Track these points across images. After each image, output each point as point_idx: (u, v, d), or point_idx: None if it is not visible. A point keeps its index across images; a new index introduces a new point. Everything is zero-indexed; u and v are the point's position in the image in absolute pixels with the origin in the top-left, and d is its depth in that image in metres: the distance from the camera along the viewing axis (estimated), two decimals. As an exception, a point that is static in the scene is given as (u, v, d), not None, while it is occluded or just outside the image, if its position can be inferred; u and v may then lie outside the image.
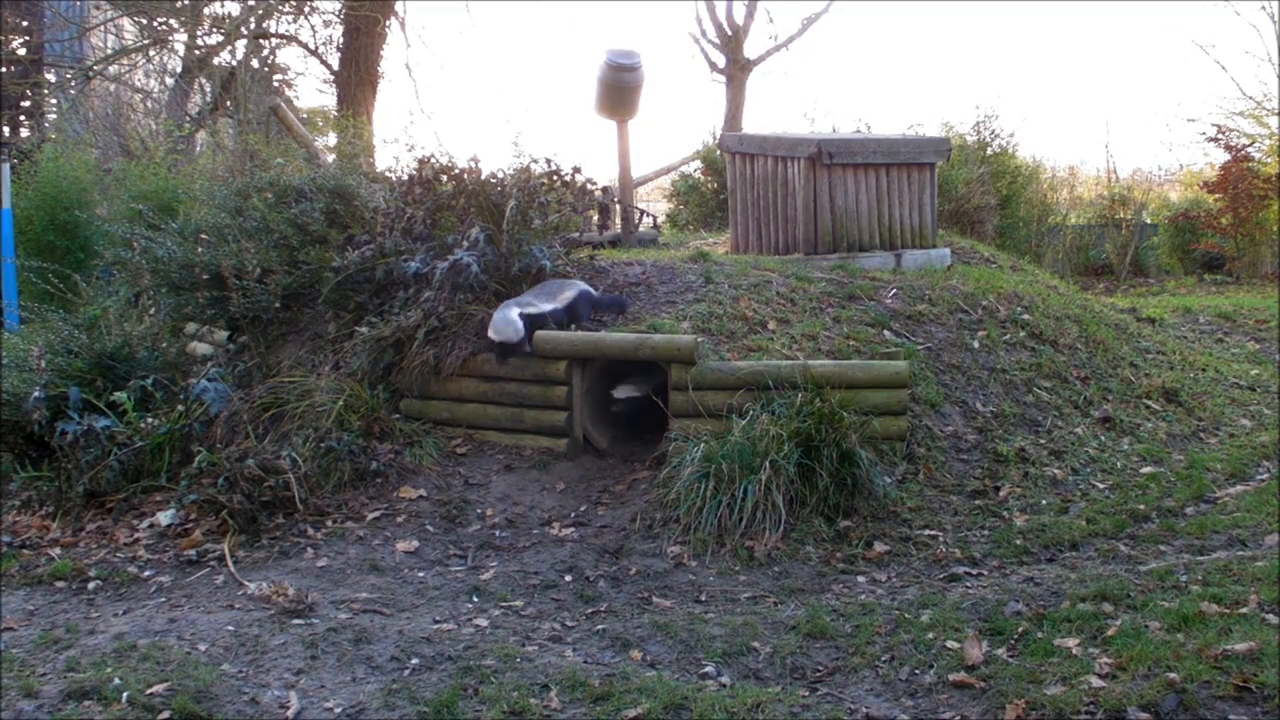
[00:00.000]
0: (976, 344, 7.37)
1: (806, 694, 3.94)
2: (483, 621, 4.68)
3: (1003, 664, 3.97)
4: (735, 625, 4.50)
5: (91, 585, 5.20)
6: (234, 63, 17.56)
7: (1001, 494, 6.04)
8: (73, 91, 18.65)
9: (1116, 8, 46.60)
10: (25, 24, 19.94)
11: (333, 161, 12.96)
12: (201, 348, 7.68)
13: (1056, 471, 6.33)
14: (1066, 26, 49.85)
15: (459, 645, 4.35)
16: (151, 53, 19.24)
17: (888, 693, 3.92)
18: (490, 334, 6.55)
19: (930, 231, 9.20)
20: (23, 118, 20.40)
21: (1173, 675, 3.61)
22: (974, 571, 5.15)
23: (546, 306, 6.80)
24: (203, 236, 7.88)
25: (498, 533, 5.77)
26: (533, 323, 6.63)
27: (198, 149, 17.21)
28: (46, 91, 19.66)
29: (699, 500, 5.52)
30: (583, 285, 7.13)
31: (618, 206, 10.80)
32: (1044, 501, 5.96)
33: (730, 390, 6.14)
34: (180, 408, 6.53)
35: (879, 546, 5.43)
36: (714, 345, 6.62)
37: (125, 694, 3.81)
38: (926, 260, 8.93)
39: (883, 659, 4.16)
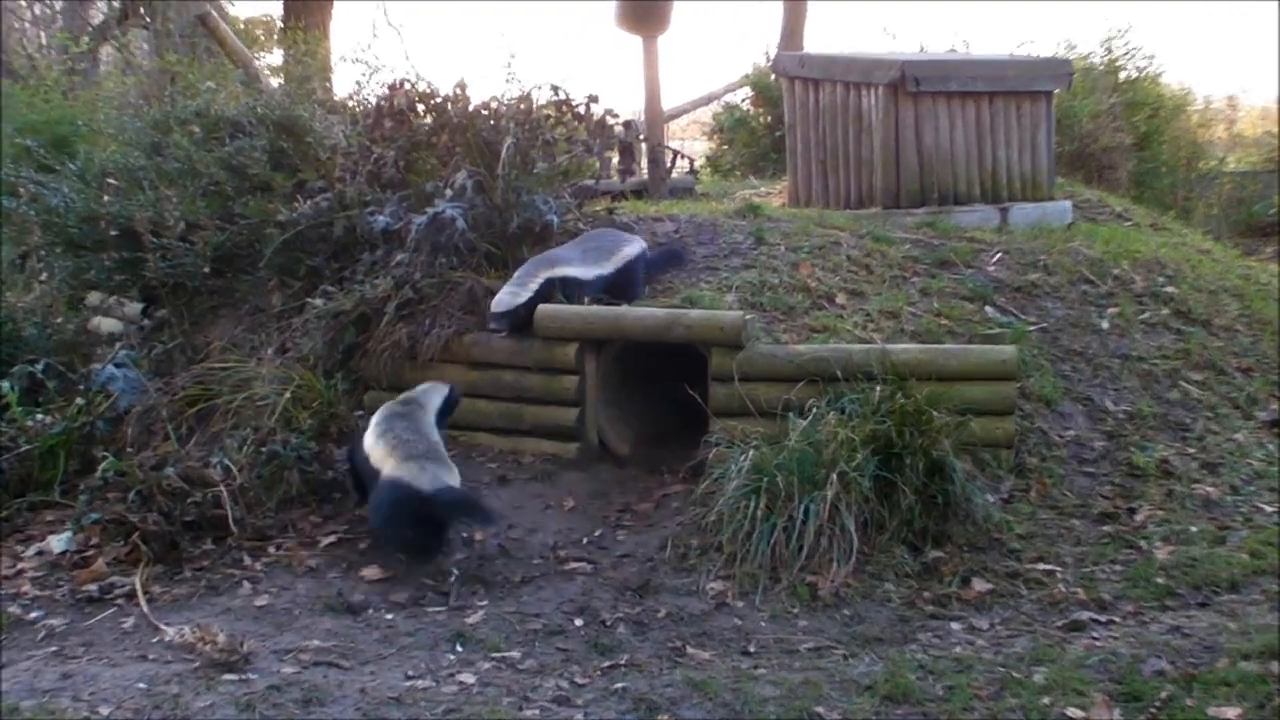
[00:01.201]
0: (1106, 324, 7.33)
1: (886, 774, 3.93)
2: (468, 677, 4.67)
3: (1141, 738, 3.94)
4: (793, 684, 4.48)
5: (-39, 630, 5.21)
6: (150, -41, 17.59)
7: (1138, 518, 6.00)
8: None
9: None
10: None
11: (278, 86, 12.96)
12: (108, 324, 7.69)
13: (1210, 490, 6.28)
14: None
15: (437, 708, 4.34)
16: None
17: (991, 774, 3.90)
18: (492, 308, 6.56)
19: (1046, 179, 9.16)
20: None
21: (1363, 755, 3.58)
22: (1102, 618, 5.12)
23: (592, 272, 6.76)
24: (109, 181, 7.89)
25: (488, 563, 5.77)
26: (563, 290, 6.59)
27: (102, 69, 17.24)
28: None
29: (747, 523, 5.51)
30: (641, 242, 7.08)
31: (644, 146, 10.75)
32: (1194, 529, 5.92)
33: (787, 382, 6.12)
34: (80, 401, 6.55)
35: (979, 584, 5.41)
36: (766, 324, 6.61)
37: (9, 768, 3.83)
38: (1041, 216, 8.89)
39: (985, 730, 4.14)
